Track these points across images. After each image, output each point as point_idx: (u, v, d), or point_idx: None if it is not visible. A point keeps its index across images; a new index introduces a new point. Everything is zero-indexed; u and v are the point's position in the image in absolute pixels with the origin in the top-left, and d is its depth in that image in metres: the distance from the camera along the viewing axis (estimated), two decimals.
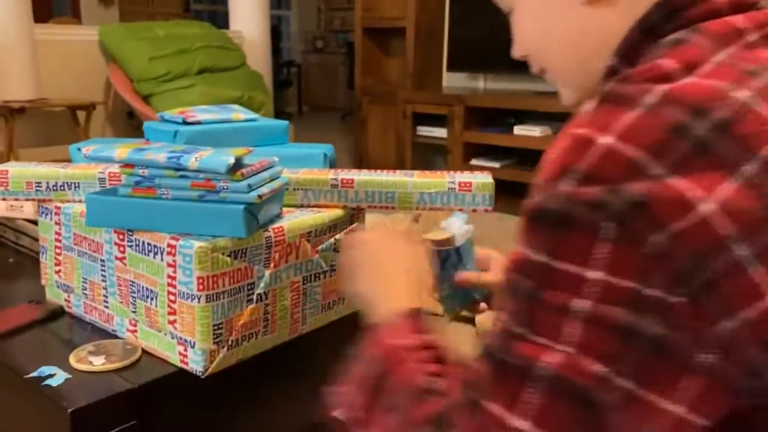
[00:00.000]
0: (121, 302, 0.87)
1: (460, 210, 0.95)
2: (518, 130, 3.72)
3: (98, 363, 0.81)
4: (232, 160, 0.74)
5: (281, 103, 8.25)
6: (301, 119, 8.14)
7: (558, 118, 3.81)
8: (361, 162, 4.70)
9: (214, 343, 0.79)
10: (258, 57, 4.86)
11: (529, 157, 3.87)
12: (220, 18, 7.59)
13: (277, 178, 0.85)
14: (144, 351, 0.85)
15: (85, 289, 0.92)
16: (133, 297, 0.85)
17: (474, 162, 3.88)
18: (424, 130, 4.19)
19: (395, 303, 0.63)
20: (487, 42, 4.11)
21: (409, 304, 0.62)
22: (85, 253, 0.90)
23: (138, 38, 4.18)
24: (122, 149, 0.81)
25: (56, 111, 4.08)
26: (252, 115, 1.04)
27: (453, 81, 4.55)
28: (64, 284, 0.95)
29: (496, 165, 3.82)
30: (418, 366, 0.54)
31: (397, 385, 0.54)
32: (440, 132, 4.06)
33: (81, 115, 4.08)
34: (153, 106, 3.97)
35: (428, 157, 4.32)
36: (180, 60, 4.14)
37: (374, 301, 0.66)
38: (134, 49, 4.12)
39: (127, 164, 0.81)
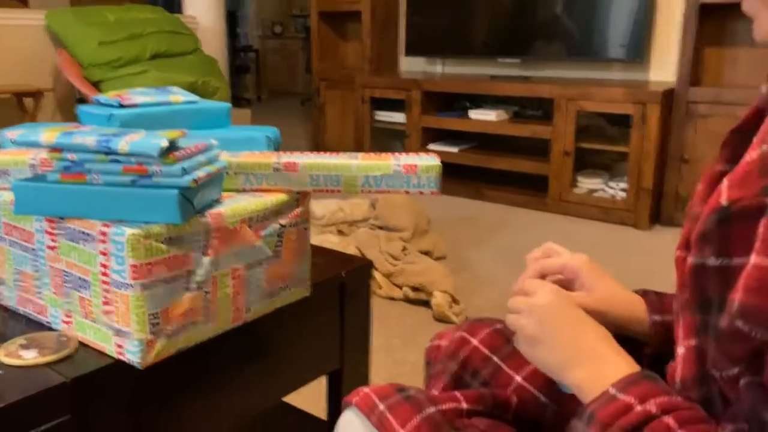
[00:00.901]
0: (55, 293, 0.84)
1: (407, 192, 0.94)
2: (474, 114, 3.73)
3: (29, 357, 0.77)
4: (164, 143, 0.72)
5: (240, 89, 8.12)
6: (260, 105, 8.03)
7: (513, 102, 3.83)
8: (319, 148, 4.66)
9: (151, 333, 0.77)
10: (213, 42, 4.76)
11: (485, 141, 3.89)
12: (176, 3, 7.40)
13: (215, 161, 0.83)
14: (81, 343, 0.82)
15: (18, 281, 0.88)
16: (66, 287, 0.82)
17: (432, 147, 3.88)
18: (383, 115, 4.18)
19: (609, 368, 0.59)
20: (444, 26, 4.10)
21: (628, 367, 0.59)
22: (16, 243, 0.86)
23: (87, 23, 4.05)
24: (50, 133, 0.77)
25: (2, 98, 3.93)
26: (192, 97, 1.01)
27: (411, 65, 4.54)
28: None
29: (454, 150, 3.83)
30: None
31: None
32: (399, 117, 4.05)
33: (29, 101, 3.94)
34: (104, 92, 3.86)
35: (387, 142, 4.30)
36: (131, 45, 4.02)
37: (572, 370, 0.63)
38: (83, 34, 3.99)
39: (55, 149, 0.77)
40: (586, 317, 0.67)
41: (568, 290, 0.74)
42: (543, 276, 0.76)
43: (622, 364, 0.61)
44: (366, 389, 0.72)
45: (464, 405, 0.69)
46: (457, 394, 0.71)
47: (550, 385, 0.75)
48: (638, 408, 0.54)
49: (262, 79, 9.06)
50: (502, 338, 0.80)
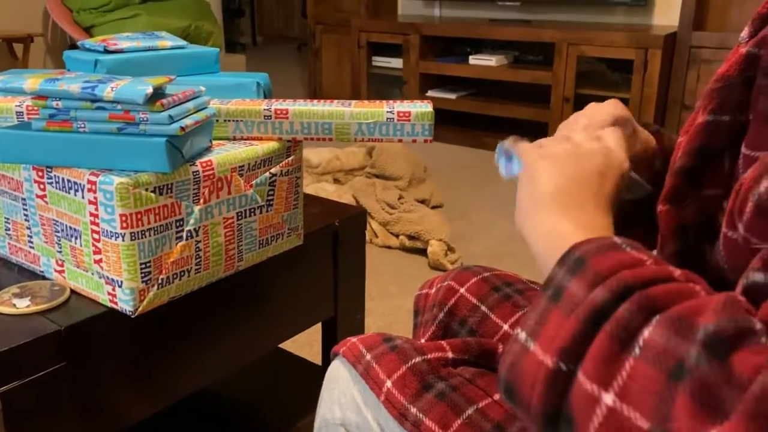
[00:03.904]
0: (46, 242, 0.83)
1: (400, 141, 0.93)
2: (473, 59, 3.66)
3: (22, 305, 0.78)
4: (149, 90, 0.70)
5: (234, 33, 7.95)
6: (255, 51, 7.89)
7: (513, 47, 3.76)
8: (315, 95, 4.60)
9: (142, 281, 0.77)
10: None
11: (485, 87, 3.83)
12: None
13: (204, 108, 0.81)
14: (73, 292, 0.82)
15: (9, 230, 0.88)
16: (57, 236, 0.81)
17: (430, 93, 3.83)
18: (380, 61, 4.10)
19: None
20: None
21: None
22: (5, 192, 0.86)
23: None
24: (33, 80, 0.75)
25: None
26: (180, 42, 0.98)
27: (409, 9, 4.43)
28: None
29: (453, 96, 3.78)
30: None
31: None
32: (396, 62, 3.98)
33: (19, 47, 3.86)
34: (94, 37, 3.78)
35: (385, 88, 4.24)
36: None
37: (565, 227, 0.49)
38: None
39: (39, 96, 0.76)
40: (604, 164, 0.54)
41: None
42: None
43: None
44: (353, 339, 0.72)
45: (450, 354, 0.69)
46: (443, 343, 0.71)
47: None
48: (651, 264, 0.41)
49: (257, 23, 8.86)
50: (489, 287, 0.80)
